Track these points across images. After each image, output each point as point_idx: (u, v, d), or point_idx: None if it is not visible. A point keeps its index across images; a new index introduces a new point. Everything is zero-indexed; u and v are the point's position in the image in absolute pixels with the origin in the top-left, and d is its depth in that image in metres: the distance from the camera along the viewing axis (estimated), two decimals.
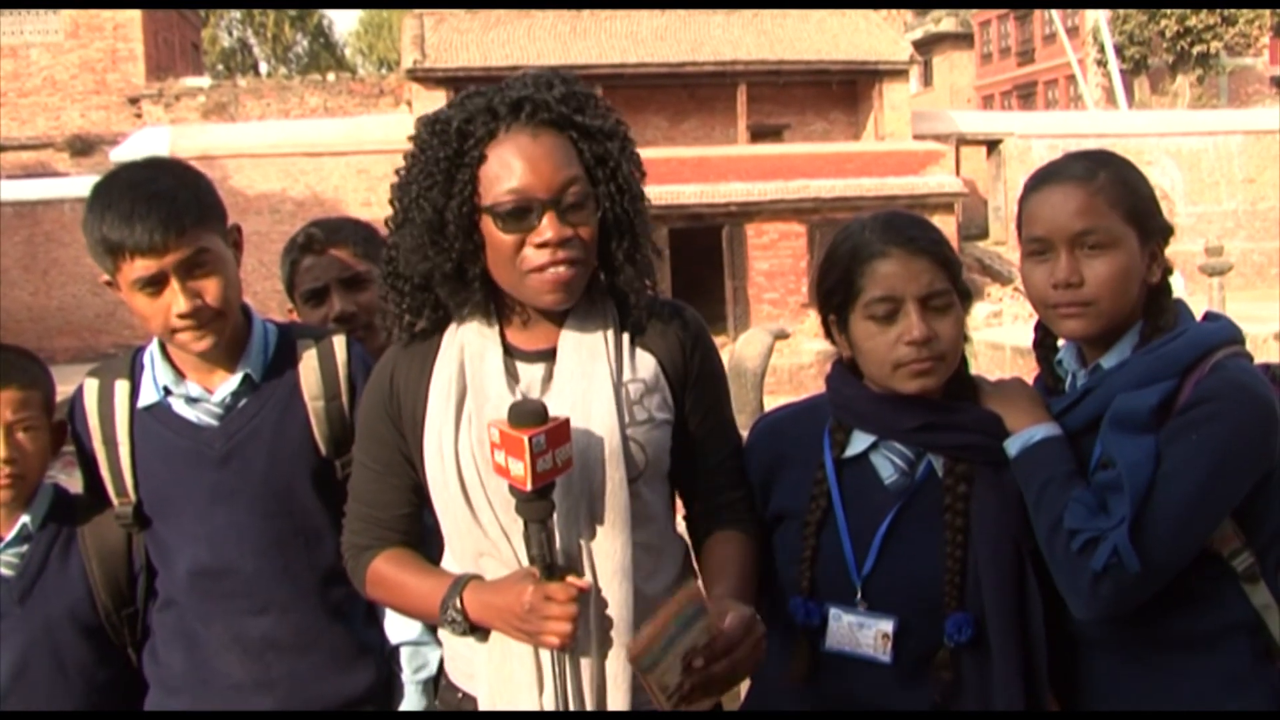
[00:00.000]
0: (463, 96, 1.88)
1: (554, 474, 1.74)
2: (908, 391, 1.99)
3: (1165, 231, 2.06)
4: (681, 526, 2.11)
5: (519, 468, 1.71)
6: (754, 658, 1.73)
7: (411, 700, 2.34)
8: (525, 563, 1.81)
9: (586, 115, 1.87)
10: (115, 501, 2.25)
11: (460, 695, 1.99)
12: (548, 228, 1.80)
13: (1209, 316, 2.06)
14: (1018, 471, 1.98)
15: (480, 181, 1.82)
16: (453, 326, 1.95)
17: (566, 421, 1.75)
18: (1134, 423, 1.90)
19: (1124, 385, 1.96)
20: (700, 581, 2.00)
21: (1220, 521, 1.89)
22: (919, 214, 2.14)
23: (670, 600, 1.69)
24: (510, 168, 1.80)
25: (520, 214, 1.80)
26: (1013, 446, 1.99)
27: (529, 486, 1.71)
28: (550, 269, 1.81)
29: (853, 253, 2.02)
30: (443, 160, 1.83)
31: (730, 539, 2.03)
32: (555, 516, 1.81)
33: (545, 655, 1.83)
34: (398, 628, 2.35)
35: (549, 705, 1.83)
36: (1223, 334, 1.99)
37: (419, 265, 1.87)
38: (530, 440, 1.69)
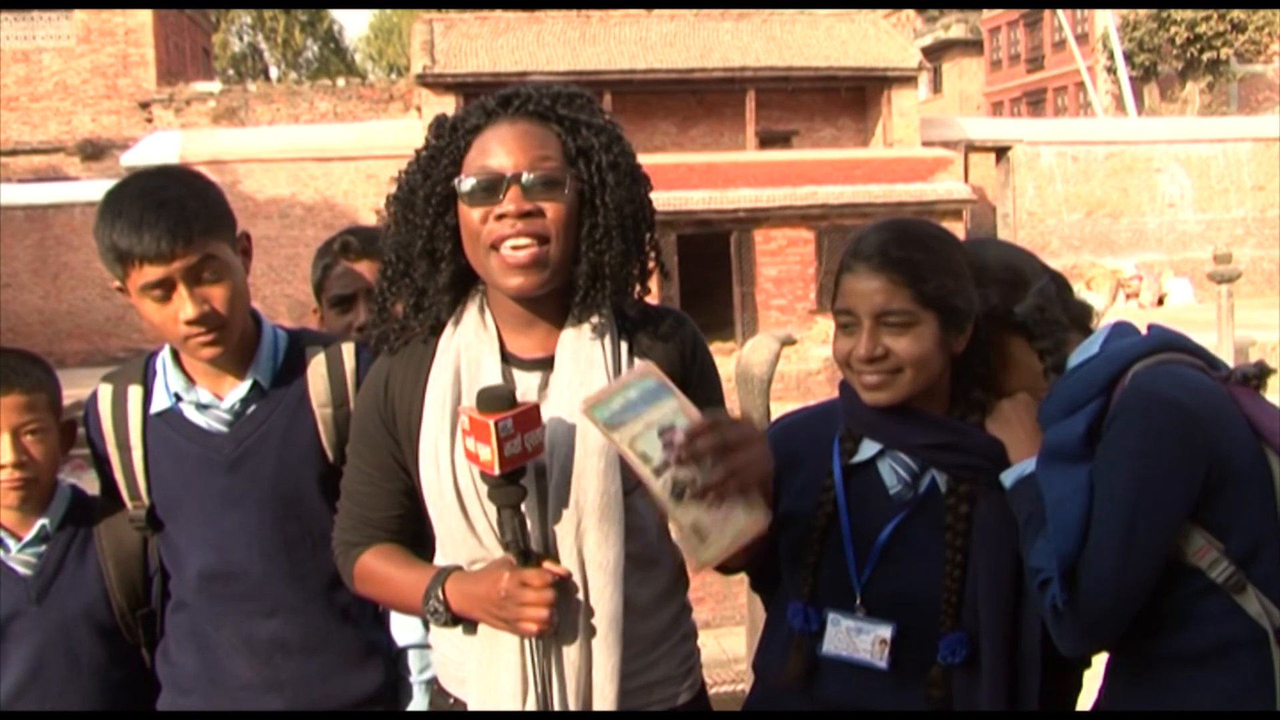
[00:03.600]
0: (473, 102, 1.95)
1: (523, 459, 1.75)
2: (866, 402, 2.02)
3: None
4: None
5: (487, 452, 1.73)
6: (749, 448, 1.72)
7: (419, 701, 2.36)
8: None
9: (575, 111, 1.90)
10: (129, 505, 2.28)
11: (451, 700, 2.00)
12: (509, 200, 1.82)
13: (1120, 331, 2.05)
14: (1012, 504, 1.98)
15: (461, 168, 1.87)
16: (448, 331, 1.96)
17: (536, 406, 1.77)
18: (1065, 454, 1.90)
19: (1052, 412, 1.97)
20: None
21: (1168, 536, 1.84)
22: (928, 222, 2.13)
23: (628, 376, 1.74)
24: (485, 150, 1.85)
25: (486, 187, 1.83)
26: (1007, 479, 1.99)
27: (497, 471, 1.73)
28: (509, 246, 1.82)
29: (841, 261, 2.05)
30: (432, 148, 1.90)
31: None
32: (549, 523, 1.84)
33: (529, 660, 1.84)
34: (404, 630, 2.37)
35: (532, 709, 1.84)
36: (1142, 345, 1.96)
37: (390, 240, 1.94)
38: (497, 424, 1.71)
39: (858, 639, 2.02)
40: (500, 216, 1.82)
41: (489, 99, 1.90)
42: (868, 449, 2.09)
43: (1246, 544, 1.86)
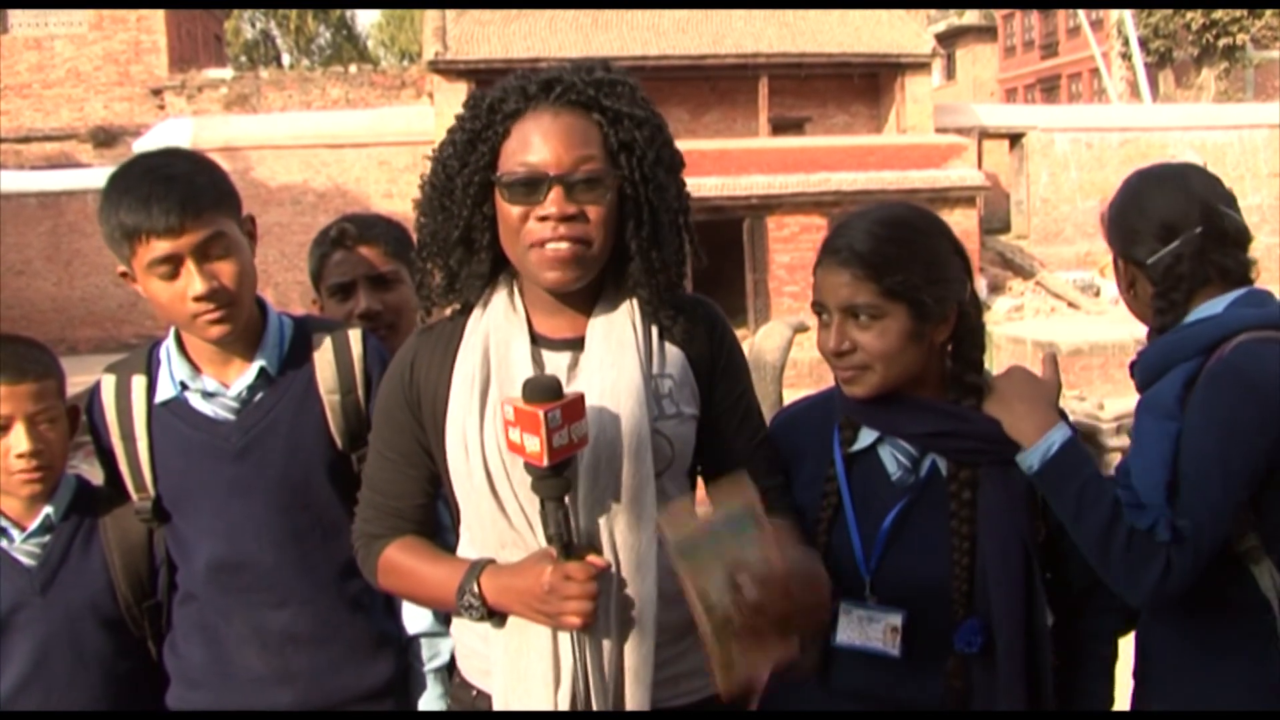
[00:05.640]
0: (509, 78, 1.90)
1: (570, 450, 1.73)
2: (845, 394, 2.04)
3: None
4: None
5: (534, 444, 1.70)
6: (814, 611, 1.74)
7: (431, 691, 2.35)
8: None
9: (618, 101, 1.86)
10: (134, 496, 2.25)
11: (475, 693, 1.97)
12: (552, 202, 1.79)
13: (1253, 299, 2.14)
14: (1044, 484, 1.97)
15: (500, 155, 1.84)
16: (476, 313, 1.94)
17: (581, 397, 1.74)
18: (1161, 410, 2.02)
19: (1151, 360, 2.14)
20: None
21: (1244, 489, 1.97)
22: (921, 212, 2.11)
23: (722, 494, 1.71)
24: (526, 142, 1.81)
25: (528, 186, 1.80)
26: (1033, 460, 1.97)
27: (545, 462, 1.70)
28: (550, 245, 1.80)
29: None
30: (468, 131, 1.86)
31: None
32: (580, 505, 1.81)
33: (564, 649, 1.82)
34: (414, 619, 2.35)
35: (564, 699, 1.81)
36: (1254, 318, 2.06)
37: (427, 226, 1.90)
38: (546, 415, 1.68)
39: (869, 627, 2.01)
40: (542, 218, 1.80)
41: (528, 81, 1.86)
42: (867, 436, 2.08)
43: (1272, 527, 2.00)
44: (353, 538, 2.06)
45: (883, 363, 1.98)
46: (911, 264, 1.97)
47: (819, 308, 2.04)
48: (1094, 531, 1.95)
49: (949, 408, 2.04)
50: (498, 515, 1.86)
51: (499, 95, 1.86)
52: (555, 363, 1.91)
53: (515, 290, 1.94)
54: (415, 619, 2.36)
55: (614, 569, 1.83)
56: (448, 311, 1.99)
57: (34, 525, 2.29)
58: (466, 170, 1.85)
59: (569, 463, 1.75)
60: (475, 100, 1.89)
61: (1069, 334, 19.41)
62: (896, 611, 1.99)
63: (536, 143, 1.81)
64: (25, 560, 2.27)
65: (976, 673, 1.97)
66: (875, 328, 1.97)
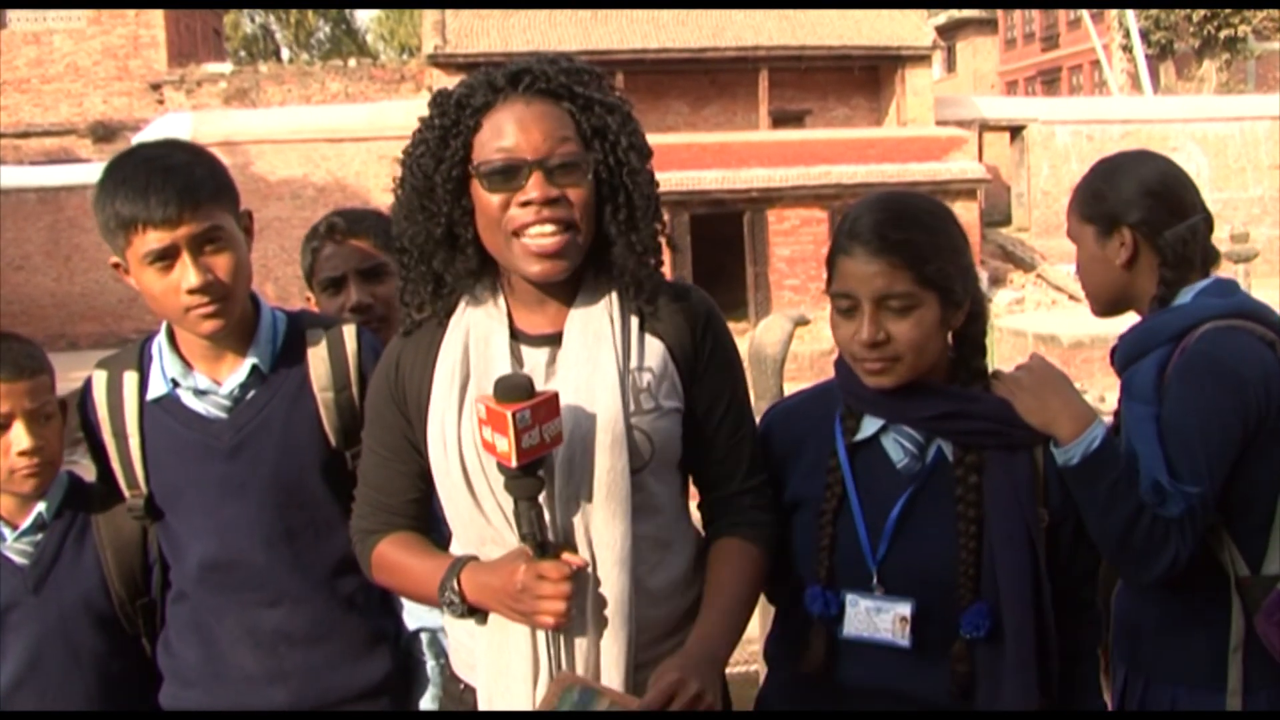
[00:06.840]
0: (470, 75, 1.89)
1: (541, 450, 1.72)
2: (868, 385, 2.00)
3: None
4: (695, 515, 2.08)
5: (504, 444, 1.69)
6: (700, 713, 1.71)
7: (435, 689, 2.33)
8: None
9: (587, 88, 1.86)
10: (127, 494, 2.24)
11: (462, 687, 1.99)
12: (533, 186, 1.78)
13: (1219, 289, 2.30)
14: (1079, 477, 1.98)
15: (474, 147, 1.82)
16: (460, 309, 1.94)
17: (554, 396, 1.74)
18: (1140, 395, 2.20)
19: (1129, 347, 2.30)
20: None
21: (1225, 469, 2.13)
22: (929, 199, 2.10)
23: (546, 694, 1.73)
24: (501, 130, 1.81)
25: (507, 173, 1.80)
26: (1073, 455, 1.97)
27: (514, 463, 1.70)
28: (535, 230, 1.79)
29: (834, 241, 2.03)
30: (438, 128, 1.85)
31: (733, 552, 1.98)
32: (556, 501, 1.81)
33: (542, 645, 1.82)
34: (417, 614, 2.34)
35: (543, 694, 1.81)
36: (1220, 308, 2.22)
37: (409, 230, 1.88)
38: (514, 415, 1.67)
39: (877, 619, 2.00)
40: (525, 204, 1.79)
41: (495, 74, 1.85)
42: (870, 425, 2.06)
43: (1241, 498, 2.16)
44: (350, 533, 2.06)
45: (914, 352, 1.95)
46: (943, 252, 1.96)
47: (845, 298, 1.98)
48: (1119, 525, 2.00)
49: (954, 390, 2.02)
50: (475, 512, 1.87)
51: (465, 91, 1.85)
52: (534, 359, 1.90)
53: (498, 287, 1.93)
54: (421, 614, 2.34)
55: (590, 566, 1.82)
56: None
57: (26, 523, 2.27)
58: (444, 166, 1.83)
59: (541, 462, 1.75)
60: (441, 98, 1.88)
61: (1070, 326, 19.39)
62: (905, 601, 1.98)
63: (511, 130, 1.80)
64: (17, 559, 2.26)
65: (982, 658, 1.96)
66: (912, 317, 1.94)
